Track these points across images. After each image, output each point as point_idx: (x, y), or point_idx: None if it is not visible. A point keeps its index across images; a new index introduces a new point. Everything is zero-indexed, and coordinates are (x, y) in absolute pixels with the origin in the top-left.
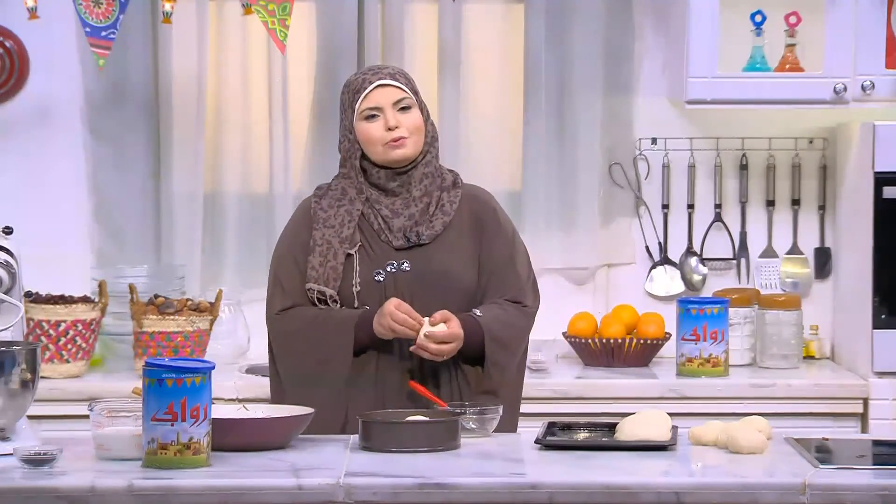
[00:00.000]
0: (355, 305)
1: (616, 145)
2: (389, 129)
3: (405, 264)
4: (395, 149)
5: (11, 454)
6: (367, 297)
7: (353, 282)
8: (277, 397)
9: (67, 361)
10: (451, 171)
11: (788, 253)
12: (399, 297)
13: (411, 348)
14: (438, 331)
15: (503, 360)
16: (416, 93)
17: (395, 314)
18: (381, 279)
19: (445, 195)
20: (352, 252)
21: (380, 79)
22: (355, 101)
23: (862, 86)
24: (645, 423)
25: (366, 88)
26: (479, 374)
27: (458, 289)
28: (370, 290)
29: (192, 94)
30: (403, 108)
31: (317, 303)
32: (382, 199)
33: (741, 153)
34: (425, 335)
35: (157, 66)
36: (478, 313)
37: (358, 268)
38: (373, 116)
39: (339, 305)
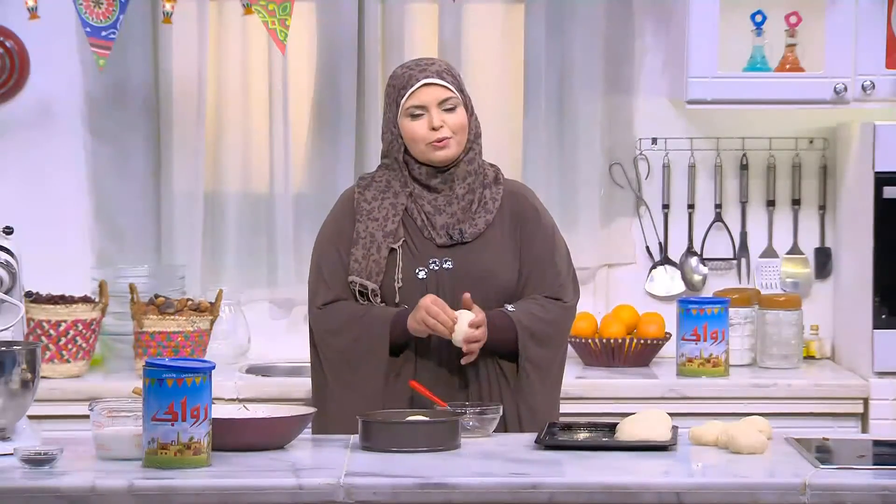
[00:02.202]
0: (396, 301)
1: (616, 145)
2: (433, 129)
3: (447, 262)
4: (439, 150)
5: (12, 454)
6: (409, 294)
7: (396, 277)
8: (319, 393)
9: (68, 361)
10: (492, 165)
11: (789, 253)
12: (441, 295)
13: (464, 360)
14: (473, 318)
15: (537, 354)
16: (461, 90)
17: (430, 308)
18: (424, 276)
19: (488, 192)
20: (395, 247)
21: (426, 77)
22: (400, 98)
23: (862, 86)
24: (645, 424)
25: (412, 86)
26: (515, 371)
27: (499, 287)
28: (412, 286)
29: (192, 94)
30: (448, 109)
31: (358, 296)
32: (425, 195)
33: (741, 153)
34: (464, 340)
35: (157, 66)
36: (509, 308)
37: (401, 263)
38: (417, 115)
39: (380, 300)
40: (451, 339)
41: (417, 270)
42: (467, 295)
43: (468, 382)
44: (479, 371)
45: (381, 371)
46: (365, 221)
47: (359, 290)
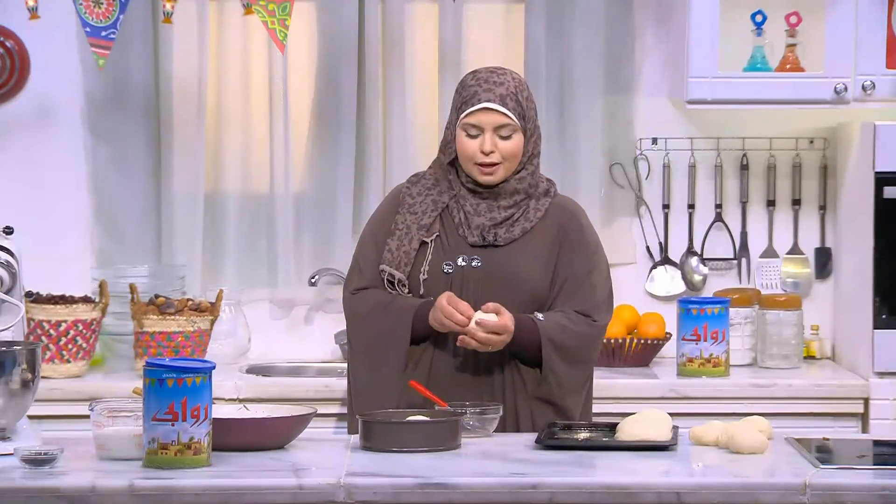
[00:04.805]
0: (421, 293)
1: (617, 145)
2: (483, 153)
3: (476, 261)
4: (484, 174)
5: (12, 454)
6: (434, 288)
7: (422, 269)
8: (350, 382)
9: (68, 361)
10: (548, 179)
11: (789, 253)
12: (465, 293)
13: (458, 341)
14: (489, 320)
15: (560, 366)
16: (522, 117)
17: (444, 308)
18: (450, 271)
19: (533, 202)
20: (427, 240)
21: (489, 100)
22: (461, 111)
23: (862, 86)
24: (645, 423)
25: (473, 105)
26: (537, 377)
27: (525, 293)
28: (437, 280)
29: (192, 94)
30: (504, 136)
31: (387, 285)
32: (469, 198)
33: (742, 153)
34: (476, 322)
35: (157, 66)
36: (539, 317)
37: (430, 257)
38: (472, 135)
39: (406, 290)
40: None
41: (444, 265)
42: (489, 305)
43: (483, 380)
44: (493, 372)
45: (402, 360)
46: (405, 214)
47: (387, 279)
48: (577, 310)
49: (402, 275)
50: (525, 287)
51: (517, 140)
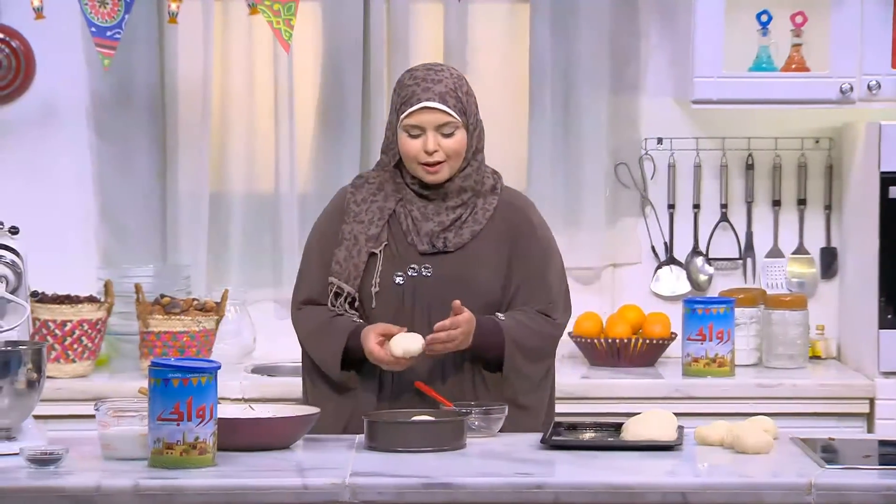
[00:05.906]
0: (373, 306)
1: (622, 145)
2: (427, 152)
3: (427, 269)
4: (429, 174)
5: (17, 454)
6: (386, 299)
7: (373, 282)
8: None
9: (73, 361)
10: (494, 172)
11: (794, 253)
12: (419, 303)
13: (427, 352)
14: (445, 332)
15: (523, 365)
16: (463, 112)
17: (372, 352)
18: (401, 282)
19: (481, 202)
20: (376, 251)
21: (428, 98)
22: (401, 112)
23: (868, 85)
24: (650, 423)
25: (412, 105)
26: (499, 379)
27: (479, 297)
28: (389, 291)
29: (197, 94)
30: (447, 134)
31: (335, 298)
32: (416, 201)
33: (747, 153)
34: (438, 329)
35: (162, 66)
36: (500, 317)
37: (380, 268)
38: (414, 135)
39: (356, 303)
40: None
41: (395, 276)
42: (457, 302)
43: (441, 386)
44: (450, 377)
45: (334, 385)
46: (351, 223)
47: (335, 292)
48: (536, 309)
49: (352, 289)
50: (478, 291)
51: (460, 137)
